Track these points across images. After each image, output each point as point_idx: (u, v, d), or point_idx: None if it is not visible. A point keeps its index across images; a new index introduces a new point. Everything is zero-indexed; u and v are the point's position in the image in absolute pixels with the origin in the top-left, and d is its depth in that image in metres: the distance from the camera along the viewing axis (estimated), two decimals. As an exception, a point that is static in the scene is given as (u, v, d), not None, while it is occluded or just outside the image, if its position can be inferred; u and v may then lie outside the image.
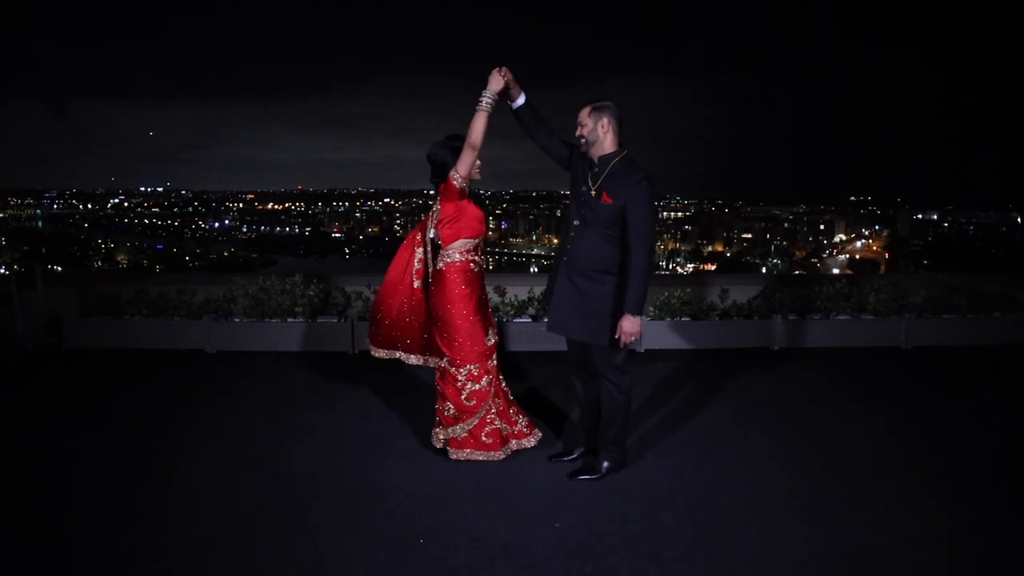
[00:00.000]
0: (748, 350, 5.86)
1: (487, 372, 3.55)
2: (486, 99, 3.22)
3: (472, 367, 3.50)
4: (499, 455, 3.61)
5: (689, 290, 6.04)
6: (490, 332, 3.57)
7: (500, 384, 3.67)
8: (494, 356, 3.61)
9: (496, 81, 3.21)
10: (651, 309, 5.95)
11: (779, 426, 4.21)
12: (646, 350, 5.84)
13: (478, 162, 3.35)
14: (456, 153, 3.36)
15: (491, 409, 3.59)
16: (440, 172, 3.43)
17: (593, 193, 3.19)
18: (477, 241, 3.50)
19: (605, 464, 3.47)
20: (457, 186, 3.34)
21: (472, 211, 3.43)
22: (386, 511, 3.17)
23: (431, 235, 3.56)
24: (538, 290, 6.01)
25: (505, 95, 3.32)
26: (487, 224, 3.54)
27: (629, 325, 3.15)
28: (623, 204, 3.11)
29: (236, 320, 5.80)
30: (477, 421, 3.56)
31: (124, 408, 4.45)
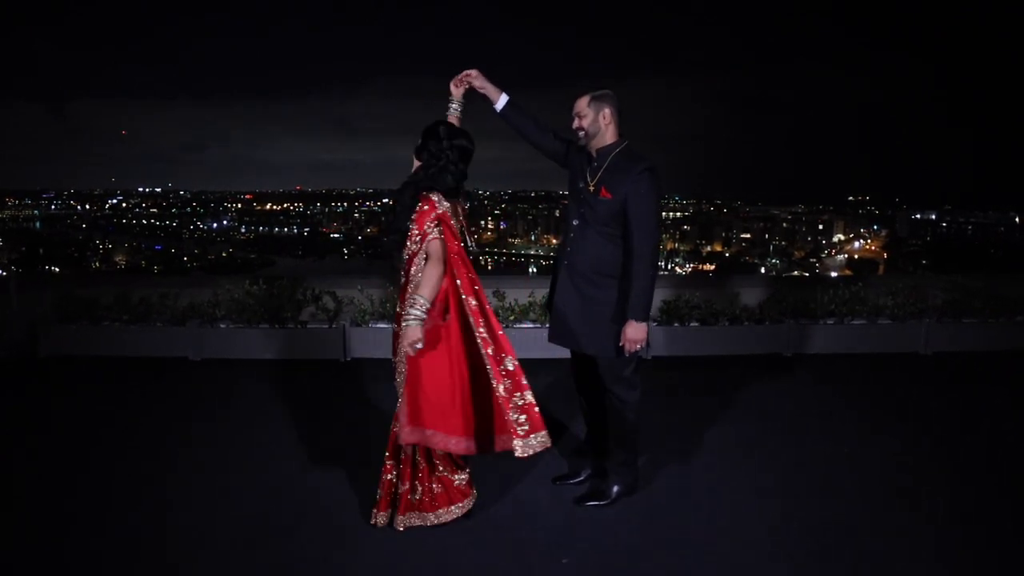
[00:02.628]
0: (760, 356, 5.58)
1: None
2: (452, 107, 3.07)
3: None
4: None
5: (698, 293, 5.76)
6: None
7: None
8: None
9: (454, 90, 3.08)
10: (658, 313, 5.68)
11: (801, 442, 3.92)
12: (653, 357, 5.56)
13: None
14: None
15: None
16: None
17: (591, 189, 2.91)
18: None
19: (615, 488, 3.18)
20: None
21: None
22: (375, 541, 2.88)
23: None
24: (539, 293, 5.73)
25: (485, 99, 3.13)
26: None
27: (633, 332, 2.86)
28: (623, 199, 2.83)
29: (222, 326, 5.51)
30: None
31: (97, 422, 4.16)
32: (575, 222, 3.02)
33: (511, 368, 2.73)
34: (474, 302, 2.71)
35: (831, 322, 5.76)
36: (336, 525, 3.01)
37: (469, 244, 2.84)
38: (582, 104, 2.92)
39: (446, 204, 2.73)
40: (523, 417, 2.71)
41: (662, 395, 4.68)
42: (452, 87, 3.09)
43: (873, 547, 2.87)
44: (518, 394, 2.73)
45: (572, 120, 2.96)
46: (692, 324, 5.66)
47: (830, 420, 4.25)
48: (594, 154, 2.96)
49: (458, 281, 2.72)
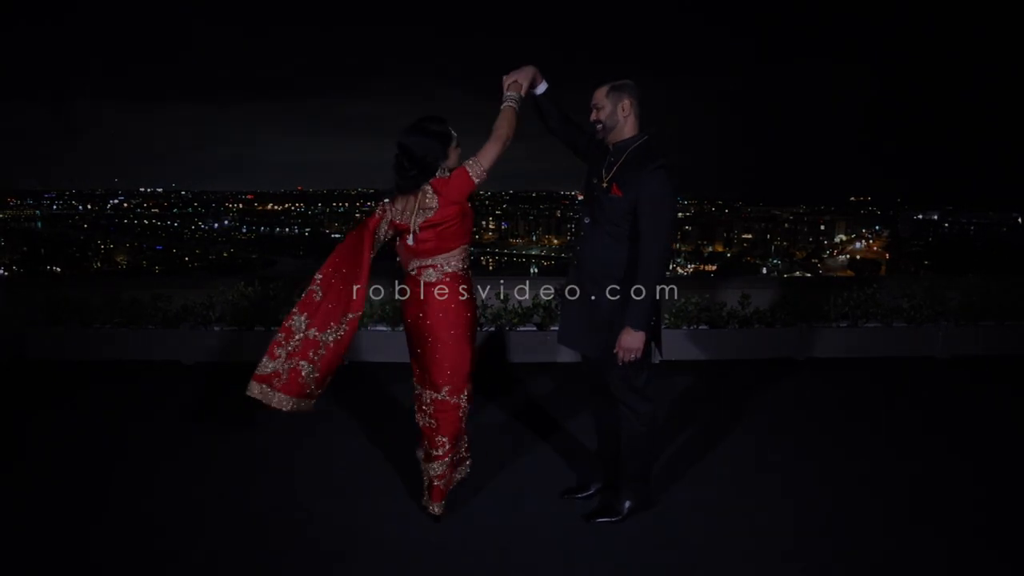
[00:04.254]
0: (771, 361, 5.40)
1: None
2: (507, 102, 2.90)
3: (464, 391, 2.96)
4: None
5: (708, 295, 5.59)
6: None
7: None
8: None
9: (511, 88, 2.93)
10: (667, 316, 5.50)
11: (816, 451, 3.74)
12: (661, 361, 5.38)
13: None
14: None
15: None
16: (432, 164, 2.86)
17: (604, 185, 2.74)
18: None
19: (626, 503, 3.00)
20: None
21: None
22: (369, 566, 2.70)
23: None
24: (543, 295, 5.57)
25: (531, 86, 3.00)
26: None
27: (628, 340, 2.67)
28: (635, 197, 2.65)
29: (215, 329, 5.34)
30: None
31: (86, 427, 3.99)
32: (586, 220, 2.86)
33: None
34: (318, 276, 2.94)
35: (844, 325, 5.59)
36: (333, 535, 2.84)
37: (409, 242, 2.84)
38: (600, 95, 2.75)
39: (384, 201, 2.87)
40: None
41: (672, 401, 4.50)
42: (507, 86, 2.95)
43: (892, 561, 2.69)
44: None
45: (590, 112, 2.79)
46: (701, 327, 5.49)
47: (846, 428, 4.07)
48: (611, 149, 2.79)
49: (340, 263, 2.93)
